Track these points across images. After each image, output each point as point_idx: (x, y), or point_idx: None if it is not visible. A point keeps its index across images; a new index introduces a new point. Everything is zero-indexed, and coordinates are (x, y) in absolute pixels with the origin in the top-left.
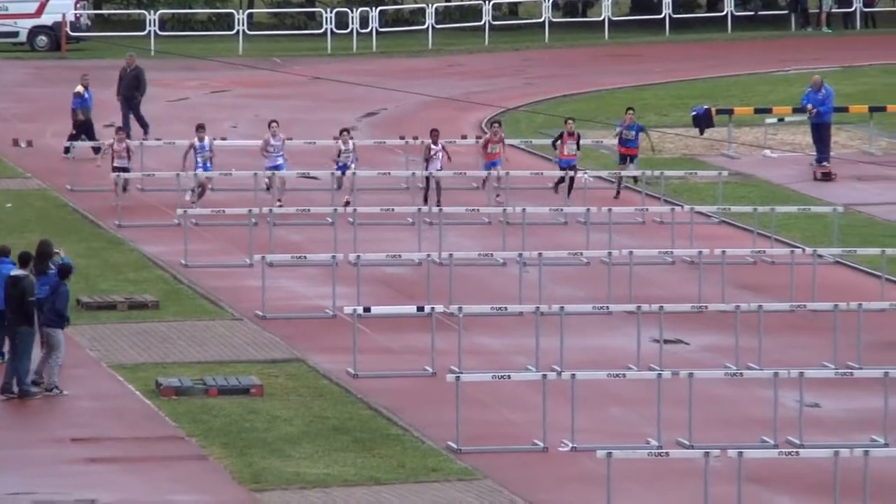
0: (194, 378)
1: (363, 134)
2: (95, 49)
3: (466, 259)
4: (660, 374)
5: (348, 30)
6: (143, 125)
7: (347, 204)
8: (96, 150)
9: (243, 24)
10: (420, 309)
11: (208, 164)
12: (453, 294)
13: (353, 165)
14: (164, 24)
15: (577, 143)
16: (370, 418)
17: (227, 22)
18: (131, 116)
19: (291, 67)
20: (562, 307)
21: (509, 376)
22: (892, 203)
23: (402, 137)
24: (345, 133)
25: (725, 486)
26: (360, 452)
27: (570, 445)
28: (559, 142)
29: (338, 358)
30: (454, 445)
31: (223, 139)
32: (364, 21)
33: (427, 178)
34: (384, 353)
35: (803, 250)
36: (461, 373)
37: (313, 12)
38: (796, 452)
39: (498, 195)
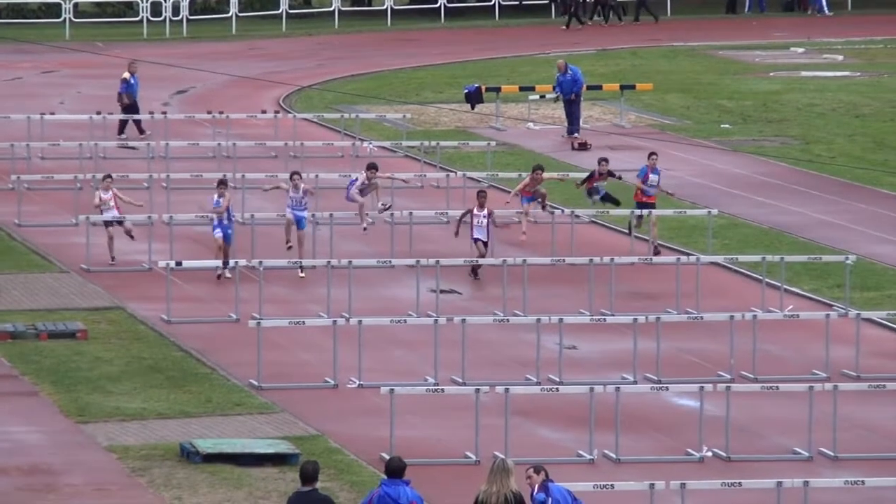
0: (27, 323)
1: (175, 109)
2: None
3: (266, 219)
4: (436, 320)
5: (162, 17)
6: None
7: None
8: (135, 122)
9: (70, 13)
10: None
11: (225, 222)
12: (255, 250)
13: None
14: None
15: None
16: (182, 359)
17: (55, 11)
18: None
19: (112, 51)
20: (350, 261)
21: (304, 322)
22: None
23: (208, 112)
24: (372, 170)
25: (494, 419)
26: (173, 389)
27: (358, 383)
28: (586, 182)
29: (153, 306)
30: (255, 383)
31: (52, 114)
32: (176, 9)
33: (476, 242)
34: (194, 302)
35: (562, 211)
36: (262, 319)
37: (131, 2)
38: (556, 389)
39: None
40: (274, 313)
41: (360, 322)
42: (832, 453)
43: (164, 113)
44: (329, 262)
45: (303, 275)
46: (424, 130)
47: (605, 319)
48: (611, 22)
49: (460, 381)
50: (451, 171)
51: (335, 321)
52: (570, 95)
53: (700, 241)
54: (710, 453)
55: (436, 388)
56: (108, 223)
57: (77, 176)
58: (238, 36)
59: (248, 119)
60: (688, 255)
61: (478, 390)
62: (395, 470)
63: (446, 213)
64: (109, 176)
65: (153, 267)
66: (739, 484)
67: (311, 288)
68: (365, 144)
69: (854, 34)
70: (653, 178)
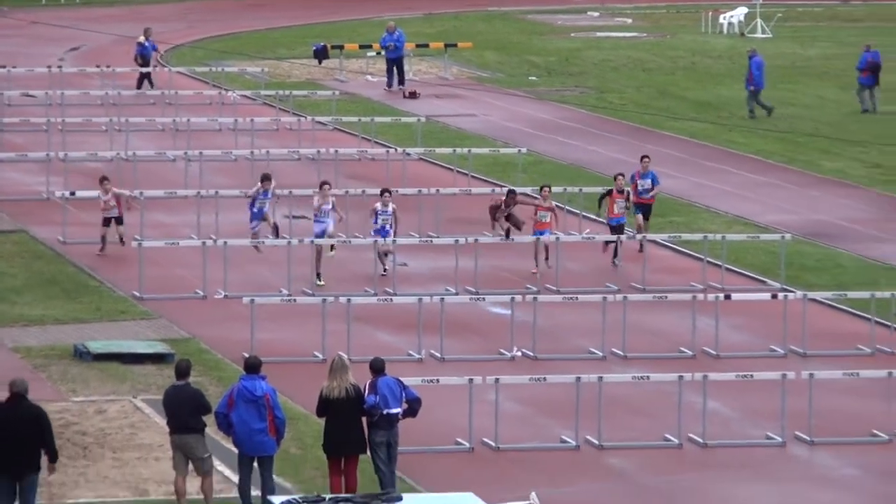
0: None
1: (69, 63)
2: None
3: (146, 156)
4: (289, 241)
5: None
6: None
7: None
8: (145, 76)
9: None
10: None
11: (264, 209)
12: (137, 181)
13: (392, 232)
14: None
15: (627, 201)
16: (75, 274)
17: None
18: None
19: (15, 14)
20: (217, 192)
21: (178, 243)
22: (461, 115)
23: (97, 66)
24: (386, 194)
25: (339, 324)
26: (68, 300)
27: (223, 294)
28: (606, 198)
29: (51, 229)
30: (138, 294)
31: None
32: None
33: (506, 232)
34: (86, 226)
35: (395, 150)
36: (142, 240)
37: None
38: (391, 299)
39: (547, 258)
40: (153, 235)
41: (225, 243)
42: (622, 353)
43: (60, 66)
44: (199, 192)
45: (321, 283)
46: (279, 82)
47: (431, 241)
48: None
49: (310, 292)
50: (302, 116)
51: (204, 242)
52: (400, 52)
53: (511, 175)
54: (519, 353)
55: (289, 298)
56: (106, 221)
57: None
58: (123, 2)
59: (132, 72)
60: (501, 186)
61: (324, 300)
62: (252, 366)
63: (297, 150)
64: (106, 178)
65: (50, 196)
66: (545, 379)
67: (185, 214)
68: (229, 93)
69: (641, 1)
70: (642, 182)
